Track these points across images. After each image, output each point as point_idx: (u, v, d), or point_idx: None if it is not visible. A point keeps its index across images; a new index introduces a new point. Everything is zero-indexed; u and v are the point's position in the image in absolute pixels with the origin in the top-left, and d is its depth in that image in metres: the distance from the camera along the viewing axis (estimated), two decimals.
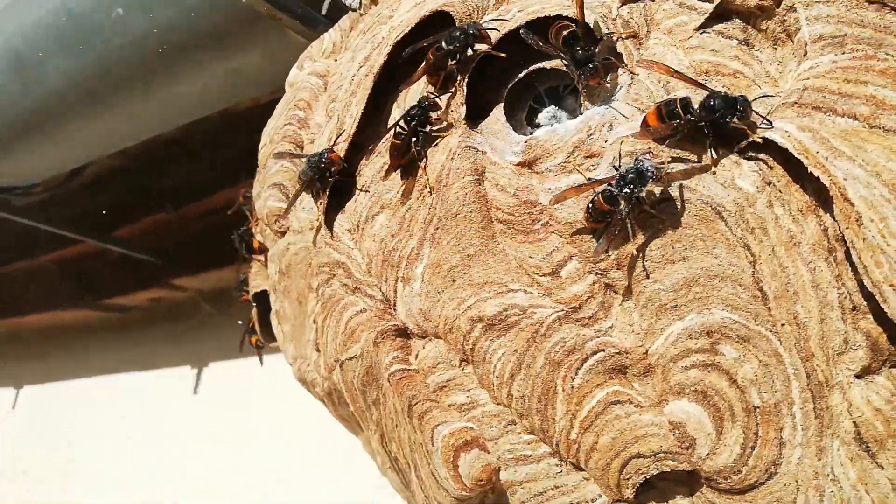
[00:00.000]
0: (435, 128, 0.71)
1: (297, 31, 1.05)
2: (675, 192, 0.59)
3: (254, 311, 1.10)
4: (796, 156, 0.55)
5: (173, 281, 2.31)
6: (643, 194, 0.59)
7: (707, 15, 0.64)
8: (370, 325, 0.74)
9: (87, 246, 2.20)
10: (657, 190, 0.60)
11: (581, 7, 0.65)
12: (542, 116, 0.71)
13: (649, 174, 0.57)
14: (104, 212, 2.07)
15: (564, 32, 0.65)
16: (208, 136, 1.81)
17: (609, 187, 0.59)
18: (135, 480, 2.28)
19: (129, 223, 2.19)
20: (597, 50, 0.63)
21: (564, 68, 0.67)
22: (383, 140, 0.78)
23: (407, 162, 0.74)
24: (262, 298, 1.07)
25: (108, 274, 2.44)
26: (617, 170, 0.59)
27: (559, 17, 0.68)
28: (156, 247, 2.22)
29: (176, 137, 1.76)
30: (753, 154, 0.59)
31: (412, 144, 0.71)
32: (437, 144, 0.71)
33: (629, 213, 0.59)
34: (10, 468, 2.65)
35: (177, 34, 1.16)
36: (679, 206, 0.59)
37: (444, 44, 0.70)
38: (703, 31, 0.64)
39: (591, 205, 0.61)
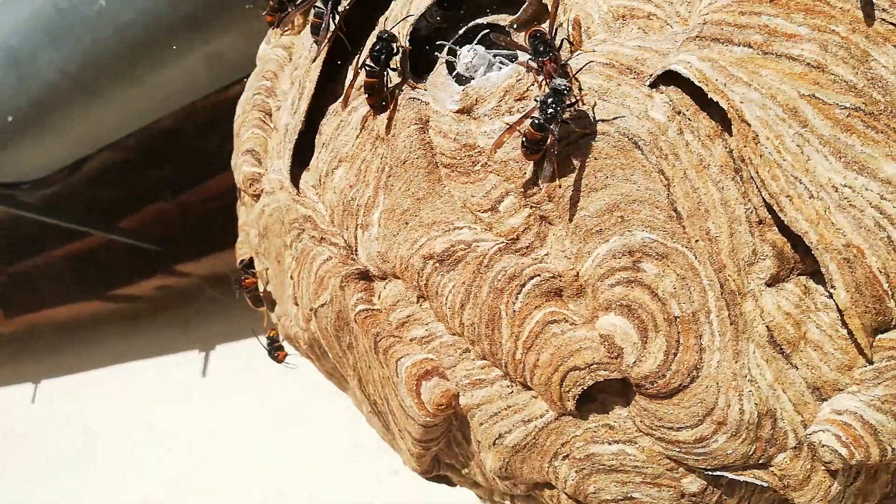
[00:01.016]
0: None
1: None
2: (592, 127, 0.65)
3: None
4: (697, 84, 0.61)
5: (177, 267, 2.39)
6: (566, 114, 0.63)
7: None
8: (336, 271, 0.81)
9: (93, 239, 2.28)
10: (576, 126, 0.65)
11: (554, 11, 0.69)
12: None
13: (563, 89, 0.62)
14: (108, 204, 2.15)
15: (532, 31, 0.68)
16: (200, 125, 1.88)
17: (534, 117, 0.64)
18: (150, 462, 2.37)
19: (131, 214, 2.27)
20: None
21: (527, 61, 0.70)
22: (346, 90, 0.83)
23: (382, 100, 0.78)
24: (248, 267, 1.13)
25: (115, 265, 2.52)
26: (536, 101, 0.64)
27: None
28: (159, 235, 2.30)
29: (170, 127, 1.83)
30: (663, 86, 0.64)
31: (384, 81, 0.76)
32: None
33: (558, 132, 0.63)
34: (34, 457, 2.75)
35: (157, 21, 1.23)
36: (598, 139, 0.65)
37: (370, 62, 0.75)
38: None
39: (524, 139, 0.66)
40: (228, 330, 2.25)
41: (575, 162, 0.66)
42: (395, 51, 0.75)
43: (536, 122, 0.63)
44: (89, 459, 2.56)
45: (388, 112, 0.76)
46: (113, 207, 2.21)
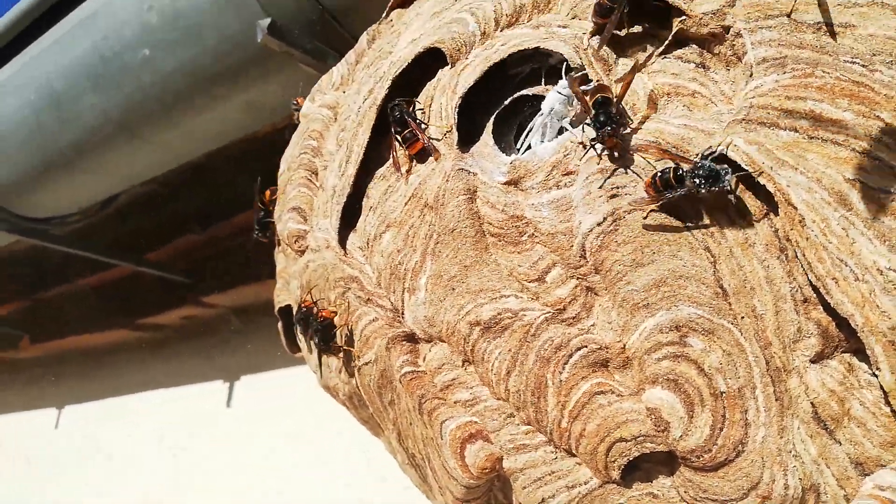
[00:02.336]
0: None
1: (308, 65, 1.14)
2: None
3: (280, 324, 1.19)
4: (744, 167, 0.62)
5: (203, 299, 2.42)
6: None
7: (667, 42, 0.71)
8: (382, 332, 0.83)
9: (121, 269, 2.32)
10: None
11: (626, 88, 0.70)
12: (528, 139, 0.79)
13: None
14: (137, 236, 2.19)
15: (598, 96, 0.69)
16: (230, 161, 1.91)
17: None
18: (173, 491, 2.39)
19: (160, 246, 2.31)
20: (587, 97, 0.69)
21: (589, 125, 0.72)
22: (393, 157, 0.86)
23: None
24: (286, 313, 1.15)
25: (143, 295, 2.56)
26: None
27: (537, 49, 0.76)
28: (186, 267, 2.34)
29: (201, 163, 1.87)
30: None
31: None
32: (434, 169, 0.79)
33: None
34: (56, 482, 2.78)
35: (198, 71, 1.26)
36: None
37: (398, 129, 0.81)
38: (664, 56, 0.72)
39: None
40: (252, 361, 2.28)
41: (623, 238, 0.68)
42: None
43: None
44: (111, 486, 2.58)
45: (438, 181, 0.78)
46: (142, 239, 2.24)
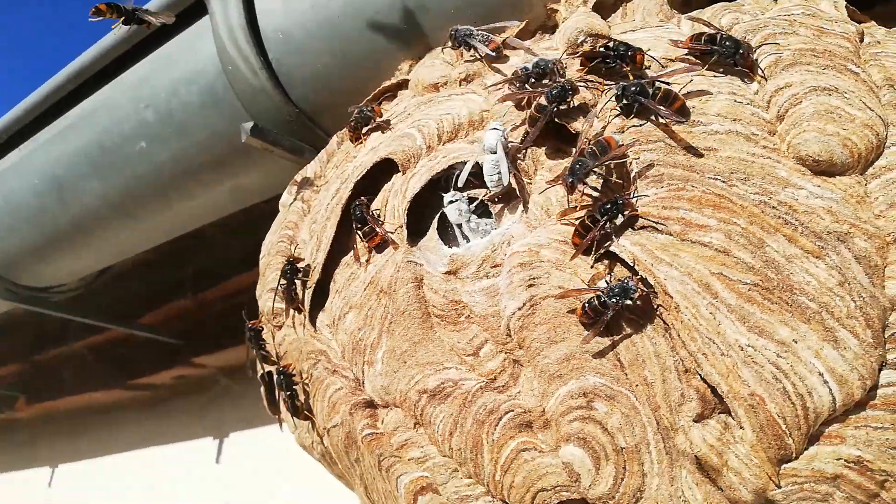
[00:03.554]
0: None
1: (287, 159, 1.30)
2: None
3: (262, 389, 1.31)
4: (630, 263, 0.77)
5: (194, 359, 2.54)
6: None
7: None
8: (346, 399, 0.96)
9: (115, 332, 2.44)
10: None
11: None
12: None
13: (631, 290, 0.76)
14: (131, 301, 2.32)
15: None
16: (221, 229, 2.05)
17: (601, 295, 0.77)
18: None
19: (153, 309, 2.44)
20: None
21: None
22: (354, 249, 1.01)
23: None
24: (268, 379, 1.28)
25: (136, 356, 2.67)
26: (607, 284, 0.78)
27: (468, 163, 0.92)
28: (178, 330, 2.47)
29: (193, 232, 2.01)
30: (605, 261, 0.81)
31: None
32: (388, 260, 0.94)
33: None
34: None
35: (189, 162, 1.42)
36: (556, 302, 0.81)
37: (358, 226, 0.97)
38: None
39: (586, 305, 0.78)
40: (241, 417, 2.38)
41: (539, 320, 0.82)
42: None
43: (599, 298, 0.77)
44: None
45: (391, 270, 0.93)
46: (136, 303, 2.37)
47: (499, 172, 0.86)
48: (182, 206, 1.57)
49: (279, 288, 1.06)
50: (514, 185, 0.89)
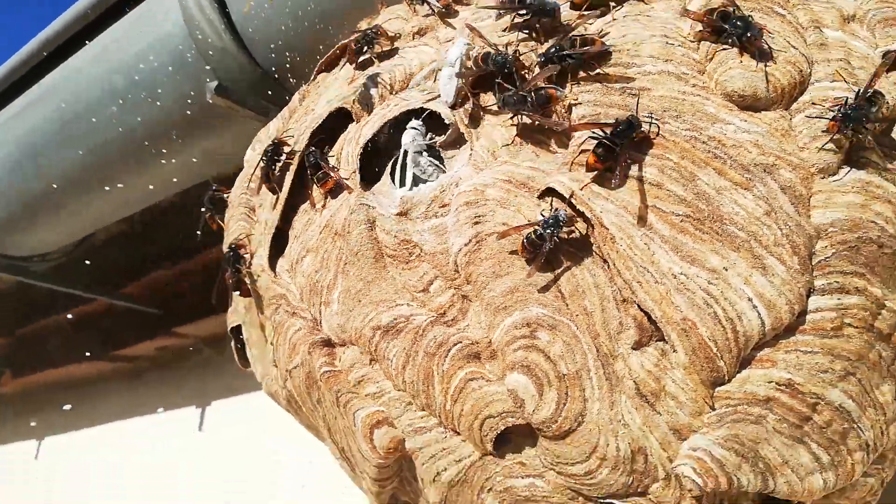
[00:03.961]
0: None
1: (253, 118, 1.33)
2: None
3: (232, 343, 1.34)
4: (567, 197, 0.81)
5: (176, 329, 2.57)
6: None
7: None
8: (305, 339, 1.00)
9: (97, 304, 2.46)
10: None
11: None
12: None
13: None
14: (112, 272, 2.35)
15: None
16: (198, 200, 2.07)
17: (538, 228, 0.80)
18: None
19: (134, 280, 2.47)
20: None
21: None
22: (311, 196, 1.04)
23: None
24: (238, 332, 1.31)
25: (118, 327, 2.70)
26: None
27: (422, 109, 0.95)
28: (158, 300, 2.49)
29: (171, 203, 2.04)
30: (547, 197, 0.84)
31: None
32: (342, 204, 0.97)
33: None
34: None
35: (159, 126, 1.44)
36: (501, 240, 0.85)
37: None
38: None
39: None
40: (223, 385, 2.41)
41: (485, 255, 0.85)
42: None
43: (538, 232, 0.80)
44: None
45: (345, 213, 0.96)
46: (117, 275, 2.40)
47: (448, 86, 0.89)
48: (155, 171, 1.59)
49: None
50: (463, 99, 0.92)
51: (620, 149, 0.79)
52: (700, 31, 0.84)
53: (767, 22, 0.83)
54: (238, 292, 1.15)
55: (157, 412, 2.58)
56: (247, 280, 1.11)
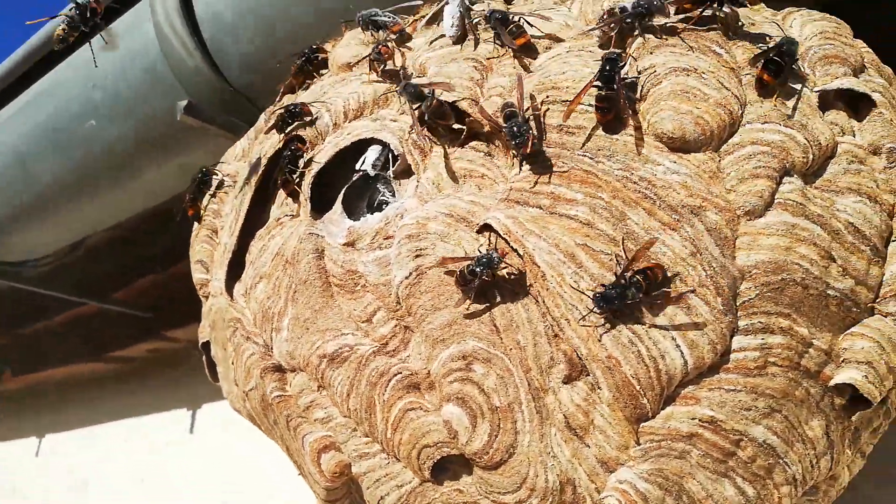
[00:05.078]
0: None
1: (224, 136, 1.35)
2: None
3: (203, 357, 1.37)
4: (502, 235, 0.82)
5: (167, 333, 2.61)
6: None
7: (463, 135, 0.92)
8: (258, 363, 1.02)
9: (90, 307, 2.51)
10: None
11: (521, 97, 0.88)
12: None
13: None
14: (103, 277, 2.39)
15: (507, 110, 0.86)
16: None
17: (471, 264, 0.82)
18: None
19: (125, 285, 2.51)
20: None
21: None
22: (269, 222, 1.07)
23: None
24: (207, 348, 1.34)
25: (111, 330, 2.75)
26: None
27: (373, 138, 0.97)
28: (149, 304, 2.54)
29: (161, 209, 2.07)
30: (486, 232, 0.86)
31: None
32: (292, 232, 0.99)
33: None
34: None
35: (135, 140, 1.47)
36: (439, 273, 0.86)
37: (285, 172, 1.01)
38: (462, 147, 0.92)
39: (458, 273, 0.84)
40: (213, 388, 2.44)
41: (424, 288, 0.87)
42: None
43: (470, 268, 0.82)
44: None
45: (294, 242, 0.98)
46: (108, 278, 2.44)
47: (452, 24, 0.98)
48: (134, 183, 1.63)
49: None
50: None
51: (617, 87, 0.81)
52: None
53: (702, 62, 0.84)
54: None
55: (151, 414, 2.63)
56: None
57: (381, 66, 1.02)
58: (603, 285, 0.78)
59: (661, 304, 0.78)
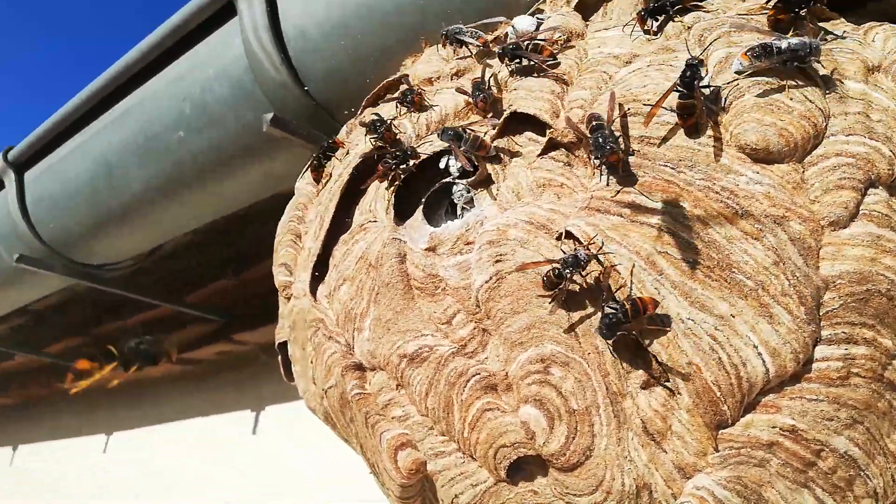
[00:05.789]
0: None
1: (306, 147, 1.42)
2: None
3: (279, 357, 1.43)
4: (583, 242, 0.85)
5: (236, 336, 2.70)
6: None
7: (543, 146, 0.95)
8: (339, 362, 1.06)
9: (164, 309, 2.62)
10: None
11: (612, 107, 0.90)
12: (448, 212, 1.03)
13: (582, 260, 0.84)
14: (178, 280, 2.50)
15: (593, 122, 0.87)
16: (260, 213, 2.17)
17: (557, 267, 0.84)
18: None
19: (198, 288, 2.61)
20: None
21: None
22: (353, 228, 1.12)
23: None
24: (284, 347, 1.39)
25: (183, 332, 2.86)
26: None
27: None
28: (221, 307, 2.63)
29: (235, 214, 2.16)
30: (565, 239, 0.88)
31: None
32: (376, 237, 1.04)
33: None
34: (104, 500, 3.06)
35: (222, 150, 1.55)
36: (521, 275, 0.89)
37: (389, 159, 1.04)
38: (542, 157, 0.95)
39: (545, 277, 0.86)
40: (277, 391, 2.51)
41: (504, 292, 0.90)
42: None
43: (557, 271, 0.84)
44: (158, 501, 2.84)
45: (378, 247, 1.03)
46: (183, 282, 2.55)
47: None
48: (218, 190, 1.70)
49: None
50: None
51: (695, 92, 0.83)
52: None
53: (788, 76, 0.85)
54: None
55: (217, 414, 2.72)
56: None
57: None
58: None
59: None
